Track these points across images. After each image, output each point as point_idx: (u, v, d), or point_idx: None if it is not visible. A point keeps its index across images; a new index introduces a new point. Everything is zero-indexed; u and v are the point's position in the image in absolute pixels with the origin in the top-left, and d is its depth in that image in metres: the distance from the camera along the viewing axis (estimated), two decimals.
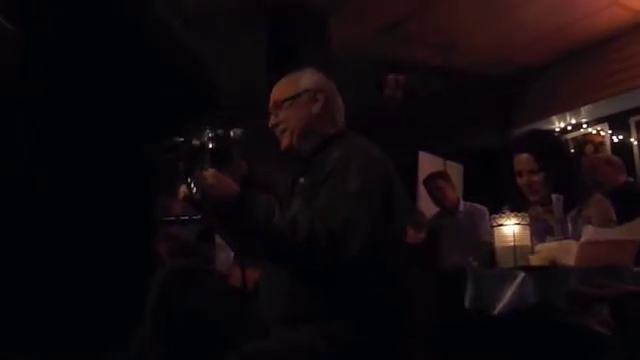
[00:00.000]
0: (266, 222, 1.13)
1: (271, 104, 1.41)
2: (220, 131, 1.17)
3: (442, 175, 3.37)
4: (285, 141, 1.37)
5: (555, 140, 2.32)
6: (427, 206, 3.43)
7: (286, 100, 1.37)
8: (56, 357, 0.64)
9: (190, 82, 0.74)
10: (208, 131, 1.15)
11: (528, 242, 1.57)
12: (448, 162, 4.46)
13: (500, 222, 1.58)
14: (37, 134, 0.63)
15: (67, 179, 0.64)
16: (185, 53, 0.73)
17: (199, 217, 1.24)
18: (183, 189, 1.10)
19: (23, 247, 0.61)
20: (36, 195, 0.62)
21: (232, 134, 1.28)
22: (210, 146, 1.14)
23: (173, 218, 2.11)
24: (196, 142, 1.13)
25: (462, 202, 3.22)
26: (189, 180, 1.09)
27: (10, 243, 0.61)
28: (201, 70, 0.76)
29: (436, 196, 3.23)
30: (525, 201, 1.81)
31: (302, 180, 1.29)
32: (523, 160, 1.78)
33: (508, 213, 1.59)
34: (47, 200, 0.62)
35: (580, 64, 4.32)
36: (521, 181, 1.80)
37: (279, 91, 1.41)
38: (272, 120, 1.40)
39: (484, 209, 3.05)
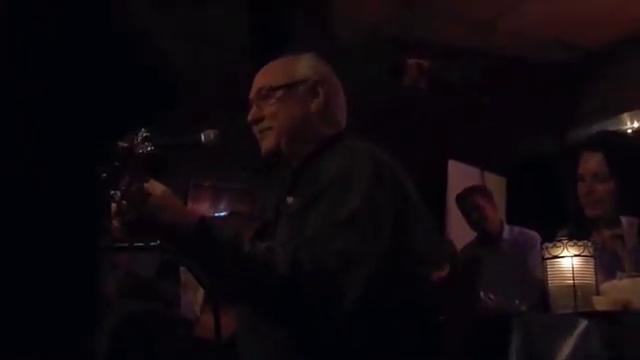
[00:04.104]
0: (232, 251, 1.09)
1: (253, 92, 1.39)
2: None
3: (481, 190, 3.35)
4: (268, 143, 1.35)
5: (632, 144, 2.29)
6: (460, 231, 3.42)
7: (276, 89, 1.35)
8: (56, 357, 0.78)
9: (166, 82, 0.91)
10: (143, 131, 1.13)
11: (592, 279, 1.55)
12: (487, 174, 4.46)
13: (555, 253, 1.57)
14: (37, 134, 0.79)
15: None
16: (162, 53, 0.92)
17: (157, 243, 1.23)
18: (114, 208, 1.07)
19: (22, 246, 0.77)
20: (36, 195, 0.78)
21: (203, 138, 1.28)
22: (140, 151, 1.11)
23: (125, 244, 2.08)
24: (123, 144, 1.11)
25: (507, 227, 3.21)
26: (113, 193, 1.06)
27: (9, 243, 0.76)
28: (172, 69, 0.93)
29: (473, 218, 3.21)
30: (588, 224, 1.79)
31: (290, 200, 1.28)
32: (593, 161, 1.76)
33: (565, 241, 1.57)
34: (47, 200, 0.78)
35: None
36: (581, 188, 1.78)
37: (267, 76, 1.40)
38: (252, 113, 1.38)
39: (536, 236, 3.04)
